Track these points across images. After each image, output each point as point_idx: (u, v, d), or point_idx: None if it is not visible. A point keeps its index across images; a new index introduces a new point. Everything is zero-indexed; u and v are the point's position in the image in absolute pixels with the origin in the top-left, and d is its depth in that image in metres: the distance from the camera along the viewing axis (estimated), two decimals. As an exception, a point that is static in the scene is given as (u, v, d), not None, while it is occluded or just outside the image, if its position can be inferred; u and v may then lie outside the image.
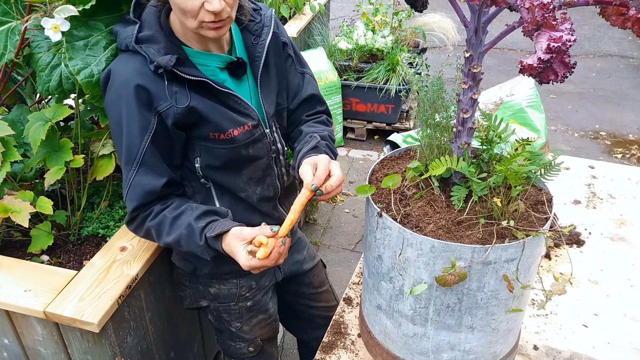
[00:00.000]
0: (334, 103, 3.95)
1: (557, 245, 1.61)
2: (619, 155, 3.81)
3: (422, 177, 1.12)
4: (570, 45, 0.62)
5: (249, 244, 1.09)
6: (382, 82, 3.91)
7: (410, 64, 3.99)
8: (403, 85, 3.88)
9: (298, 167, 1.22)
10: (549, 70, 0.63)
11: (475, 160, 1.13)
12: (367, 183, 1.13)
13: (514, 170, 0.96)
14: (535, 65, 0.62)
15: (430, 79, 1.16)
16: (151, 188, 1.19)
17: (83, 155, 1.44)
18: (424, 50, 4.41)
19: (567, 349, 1.28)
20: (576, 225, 1.67)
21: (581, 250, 1.58)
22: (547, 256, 1.56)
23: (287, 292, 1.67)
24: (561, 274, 1.48)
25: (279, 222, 1.16)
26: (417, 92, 1.15)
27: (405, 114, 4.23)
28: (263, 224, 1.13)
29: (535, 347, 1.29)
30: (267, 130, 1.32)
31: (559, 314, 1.37)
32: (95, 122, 1.87)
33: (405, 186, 1.15)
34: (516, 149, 0.98)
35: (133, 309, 1.37)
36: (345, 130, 4.26)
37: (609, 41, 5.72)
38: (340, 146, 4.16)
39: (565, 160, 1.92)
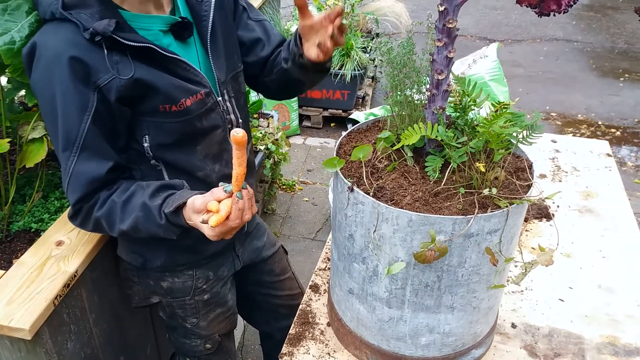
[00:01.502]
0: (288, 89, 3.82)
1: (526, 220, 1.56)
2: (570, 135, 3.88)
3: (394, 147, 1.03)
4: (574, -29, 0.53)
5: (205, 213, 0.97)
6: (336, 67, 3.81)
7: (364, 49, 3.92)
8: (358, 70, 3.80)
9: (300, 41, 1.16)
10: None
11: (449, 127, 1.04)
12: (335, 156, 1.02)
13: (496, 132, 0.88)
14: (535, -7, 0.53)
15: (400, 41, 1.07)
16: (96, 175, 1.04)
17: (8, 139, 1.27)
18: (377, 35, 4.35)
19: (546, 325, 1.23)
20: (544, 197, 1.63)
21: (551, 224, 1.54)
22: (518, 231, 1.51)
23: (247, 282, 1.55)
24: (533, 248, 1.44)
25: None
26: (388, 53, 1.05)
27: (361, 100, 4.16)
28: (220, 184, 1.00)
29: (514, 325, 1.23)
30: (220, 99, 1.19)
31: (535, 290, 1.32)
32: (27, 107, 1.68)
33: (376, 158, 1.06)
34: (496, 111, 0.90)
35: (73, 310, 1.21)
36: (301, 118, 4.14)
37: (554, 26, 5.86)
38: (297, 134, 4.05)
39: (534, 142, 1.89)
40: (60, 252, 1.22)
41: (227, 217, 0.96)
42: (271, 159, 2.87)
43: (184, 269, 1.30)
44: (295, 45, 1.17)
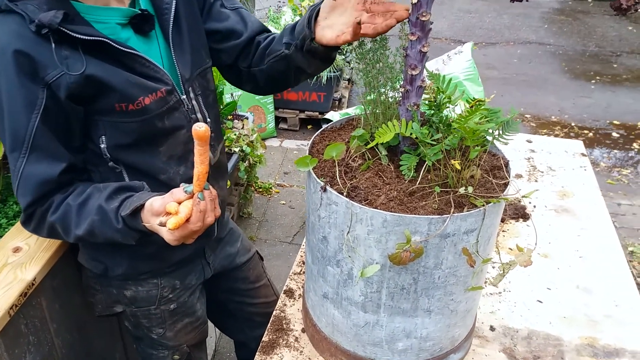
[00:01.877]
0: (263, 91, 3.77)
1: (503, 220, 1.55)
2: (545, 136, 3.93)
3: (368, 146, 0.99)
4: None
5: (164, 216, 0.91)
6: (312, 69, 3.78)
7: (340, 51, 3.90)
8: (334, 72, 3.78)
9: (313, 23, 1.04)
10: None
11: (424, 125, 1.01)
12: (307, 154, 0.98)
13: (472, 128, 0.85)
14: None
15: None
16: (47, 177, 0.97)
17: (-39, 140, 1.19)
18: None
19: (524, 327, 1.20)
20: (521, 196, 1.62)
21: (528, 224, 1.53)
22: (495, 232, 1.50)
23: (219, 290, 1.49)
24: (510, 249, 1.42)
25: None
26: (360, 47, 1.01)
27: (337, 102, 4.14)
28: (181, 185, 0.94)
29: (492, 328, 1.21)
30: (184, 97, 1.12)
31: (513, 291, 1.30)
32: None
33: (350, 157, 1.02)
34: (471, 106, 0.88)
35: (32, 320, 1.15)
36: (278, 120, 4.10)
37: (527, 29, 5.95)
38: (273, 137, 4.00)
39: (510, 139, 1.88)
40: (17, 259, 1.15)
41: (188, 220, 0.91)
42: (246, 162, 2.81)
43: (147, 277, 1.24)
44: (307, 28, 1.06)
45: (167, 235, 0.92)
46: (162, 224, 0.90)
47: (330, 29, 1.03)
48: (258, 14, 5.28)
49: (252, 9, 4.24)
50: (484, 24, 6.10)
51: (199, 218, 0.91)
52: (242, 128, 2.74)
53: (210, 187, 0.94)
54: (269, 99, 3.84)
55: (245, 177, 2.89)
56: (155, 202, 0.93)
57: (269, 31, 1.25)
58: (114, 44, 0.97)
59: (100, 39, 0.95)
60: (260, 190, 3.33)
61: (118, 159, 1.07)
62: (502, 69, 5.01)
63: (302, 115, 4.04)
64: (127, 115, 1.02)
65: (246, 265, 1.50)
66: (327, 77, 3.76)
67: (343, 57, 3.89)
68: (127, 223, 0.97)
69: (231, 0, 1.24)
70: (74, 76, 0.94)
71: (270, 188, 3.35)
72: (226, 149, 2.71)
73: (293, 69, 1.16)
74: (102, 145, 1.04)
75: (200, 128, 0.83)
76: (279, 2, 4.51)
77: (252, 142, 2.75)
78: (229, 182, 2.33)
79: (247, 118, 2.81)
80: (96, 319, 1.40)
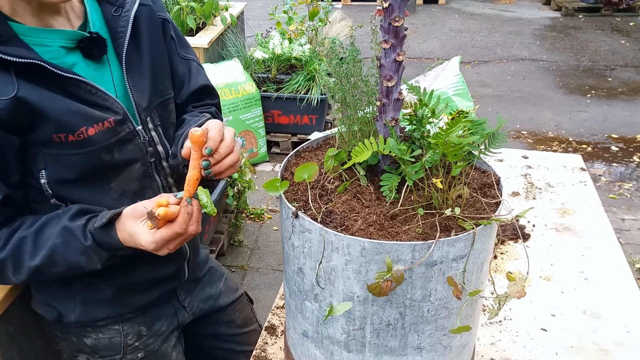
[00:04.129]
0: (254, 116, 3.71)
1: (502, 242, 1.45)
2: (541, 151, 3.84)
3: (345, 166, 0.90)
4: None
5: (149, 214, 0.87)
6: (303, 92, 3.73)
7: (330, 74, 3.86)
8: (324, 94, 3.72)
9: (181, 148, 1.00)
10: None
11: (405, 141, 0.93)
12: (278, 177, 0.89)
13: (453, 142, 0.76)
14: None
15: (345, 48, 0.96)
16: None
17: None
18: (342, 59, 4.29)
19: (528, 359, 1.09)
20: (514, 216, 1.52)
21: (527, 245, 1.43)
22: (493, 255, 1.39)
23: (202, 336, 1.36)
24: (509, 272, 1.31)
25: (177, 256, 1.02)
26: (332, 52, 0.93)
27: (330, 124, 4.07)
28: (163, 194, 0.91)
29: (493, 361, 1.10)
30: (139, 128, 1.02)
31: (514, 319, 1.20)
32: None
33: (326, 179, 0.93)
34: (453, 118, 0.79)
35: (-16, 371, 1.04)
36: (270, 144, 4.02)
37: (519, 46, 5.93)
38: (266, 161, 3.92)
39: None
40: (-33, 304, 1.05)
41: (173, 221, 0.87)
42: (234, 187, 2.72)
43: (107, 324, 1.12)
44: (174, 156, 1.08)
45: (147, 237, 0.87)
46: (152, 214, 0.85)
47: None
48: (248, 40, 5.27)
49: (241, 37, 4.21)
50: (476, 43, 6.09)
51: (185, 220, 0.88)
52: (230, 154, 2.66)
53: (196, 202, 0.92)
54: (260, 123, 3.77)
55: (235, 203, 2.79)
56: (138, 206, 0.90)
57: (210, 92, 1.22)
58: (51, 68, 0.88)
59: (34, 61, 0.86)
60: (252, 216, 3.23)
61: (62, 195, 0.97)
62: (496, 86, 4.97)
63: (295, 139, 3.96)
64: (67, 147, 0.92)
65: (231, 308, 1.38)
66: (318, 100, 3.71)
67: (333, 79, 3.85)
68: (96, 239, 0.90)
69: (185, 48, 1.19)
70: (3, 101, 0.84)
71: (262, 214, 3.25)
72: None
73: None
74: (43, 181, 0.94)
75: (196, 132, 0.85)
76: (270, 28, 4.49)
77: (240, 167, 2.67)
78: (215, 210, 2.23)
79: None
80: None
